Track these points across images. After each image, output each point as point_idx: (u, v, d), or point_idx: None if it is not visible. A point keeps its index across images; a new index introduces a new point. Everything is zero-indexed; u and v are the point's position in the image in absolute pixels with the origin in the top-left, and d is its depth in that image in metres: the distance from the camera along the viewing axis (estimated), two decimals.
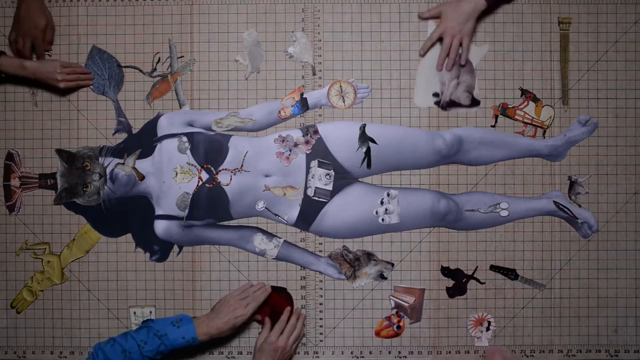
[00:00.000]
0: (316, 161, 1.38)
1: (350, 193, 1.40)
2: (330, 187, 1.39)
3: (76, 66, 1.39)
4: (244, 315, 1.29)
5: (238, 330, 1.33)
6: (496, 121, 1.41)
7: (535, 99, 1.41)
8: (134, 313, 1.41)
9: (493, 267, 1.40)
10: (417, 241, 1.41)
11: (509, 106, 1.41)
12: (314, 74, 1.42)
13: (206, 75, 1.42)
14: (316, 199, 1.38)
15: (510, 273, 1.40)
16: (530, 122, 1.41)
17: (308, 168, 1.39)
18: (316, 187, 1.38)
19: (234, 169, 1.39)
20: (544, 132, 1.41)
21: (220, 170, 1.39)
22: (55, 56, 1.41)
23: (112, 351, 1.19)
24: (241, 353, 1.40)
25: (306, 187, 1.39)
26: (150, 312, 1.40)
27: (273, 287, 1.38)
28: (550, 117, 1.41)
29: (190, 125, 1.41)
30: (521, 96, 1.41)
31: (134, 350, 1.20)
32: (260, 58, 1.42)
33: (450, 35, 1.36)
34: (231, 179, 1.39)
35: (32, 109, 1.41)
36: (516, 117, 1.41)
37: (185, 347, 1.23)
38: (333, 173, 1.37)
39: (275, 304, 1.37)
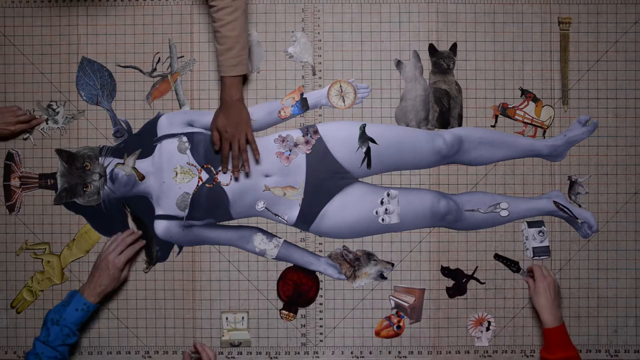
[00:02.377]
0: (525, 223, 1.39)
1: (350, 193, 1.40)
2: (546, 243, 1.39)
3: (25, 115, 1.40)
4: (118, 263, 1.31)
5: (123, 281, 1.36)
6: (496, 121, 1.41)
7: (535, 99, 1.41)
8: (226, 319, 1.40)
9: (497, 256, 1.40)
10: (417, 241, 1.41)
11: (509, 106, 1.41)
12: (314, 74, 1.42)
13: (206, 75, 1.42)
14: (537, 258, 1.39)
15: (512, 265, 1.39)
16: (530, 122, 1.41)
17: (307, 168, 1.39)
18: (533, 247, 1.39)
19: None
20: (544, 132, 1.41)
21: (220, 170, 1.39)
22: (55, 56, 1.41)
23: None
24: (241, 353, 1.40)
25: (524, 249, 1.39)
26: (243, 317, 1.40)
27: (299, 268, 1.39)
28: (550, 117, 1.41)
29: (190, 125, 1.41)
30: (521, 96, 1.41)
31: (43, 350, 1.24)
32: (260, 58, 1.42)
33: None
34: (231, 178, 1.39)
35: (32, 108, 1.41)
36: (516, 117, 1.41)
37: (86, 316, 1.29)
38: (545, 229, 1.38)
39: (300, 284, 1.38)
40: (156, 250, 1.40)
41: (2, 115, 1.37)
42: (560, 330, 1.27)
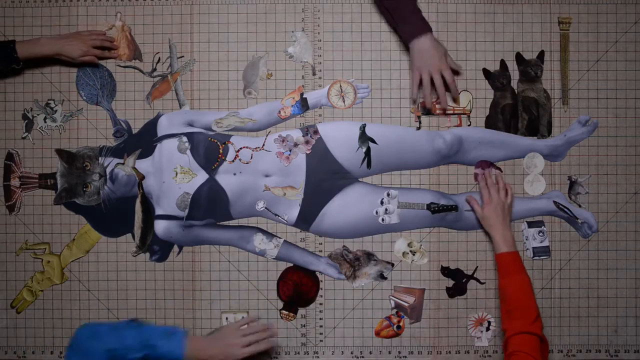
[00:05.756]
0: (525, 223, 1.39)
1: (350, 193, 1.40)
2: (546, 243, 1.39)
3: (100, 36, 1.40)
4: (237, 356, 1.20)
5: None
6: (420, 123, 1.40)
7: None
8: (226, 319, 1.40)
9: (432, 205, 1.39)
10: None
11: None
12: (314, 74, 1.42)
13: (206, 75, 1.42)
14: (537, 258, 1.39)
15: (451, 207, 1.39)
16: (452, 112, 1.39)
17: (307, 168, 1.39)
18: (533, 247, 1.39)
19: (255, 148, 1.39)
20: (469, 117, 1.40)
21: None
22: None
23: (101, 340, 1.13)
24: None
25: (524, 249, 1.40)
26: (243, 317, 1.38)
27: (299, 268, 1.40)
28: (470, 100, 1.40)
29: (190, 125, 1.41)
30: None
31: (118, 354, 1.12)
32: (253, 79, 1.41)
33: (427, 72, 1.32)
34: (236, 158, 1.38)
35: (31, 108, 1.41)
36: (437, 111, 1.40)
37: (164, 358, 1.15)
38: (545, 229, 1.38)
39: (300, 284, 1.38)
40: (150, 239, 1.39)
41: (78, 38, 1.36)
42: (514, 256, 1.25)
